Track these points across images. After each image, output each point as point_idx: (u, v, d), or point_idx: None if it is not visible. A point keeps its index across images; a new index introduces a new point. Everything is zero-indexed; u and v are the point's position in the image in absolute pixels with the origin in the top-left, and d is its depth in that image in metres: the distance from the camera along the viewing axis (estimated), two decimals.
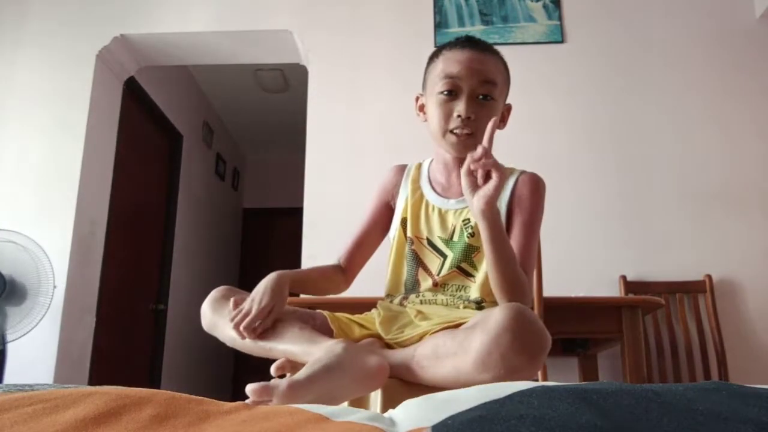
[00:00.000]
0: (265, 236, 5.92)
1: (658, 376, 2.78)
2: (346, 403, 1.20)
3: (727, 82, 3.18)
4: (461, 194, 1.24)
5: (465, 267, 1.28)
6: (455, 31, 3.33)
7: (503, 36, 3.32)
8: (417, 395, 0.62)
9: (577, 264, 2.95)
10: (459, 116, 1.23)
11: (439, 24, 3.36)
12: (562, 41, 3.30)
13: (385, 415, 0.59)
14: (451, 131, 1.25)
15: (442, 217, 1.32)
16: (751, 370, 2.81)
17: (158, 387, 3.47)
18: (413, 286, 1.32)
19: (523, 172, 1.37)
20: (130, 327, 3.85)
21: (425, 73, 1.35)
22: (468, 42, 1.29)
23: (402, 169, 1.44)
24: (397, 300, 1.34)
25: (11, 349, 2.73)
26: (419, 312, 1.25)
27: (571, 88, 3.23)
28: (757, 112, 3.14)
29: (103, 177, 3.46)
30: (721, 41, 3.24)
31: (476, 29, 3.34)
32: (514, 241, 1.25)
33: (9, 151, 3.25)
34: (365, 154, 3.17)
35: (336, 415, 0.55)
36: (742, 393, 0.52)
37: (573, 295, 2.43)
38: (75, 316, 3.11)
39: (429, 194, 1.35)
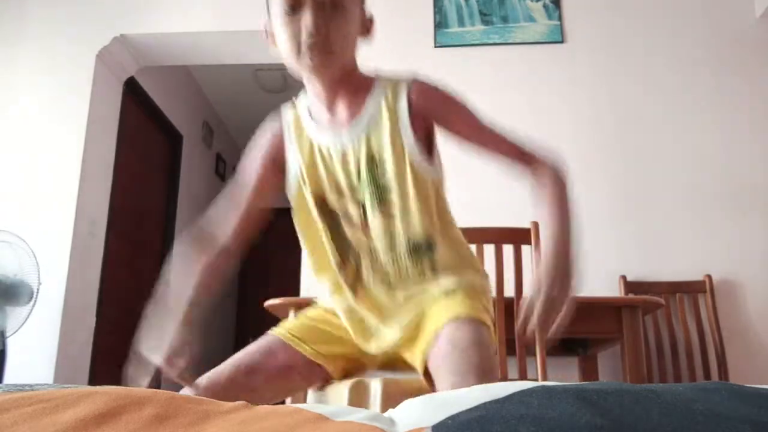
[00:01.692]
0: (264, 236, 5.91)
1: (658, 376, 2.78)
2: (345, 403, 1.19)
3: (727, 82, 3.18)
4: (350, 120, 1.13)
5: (383, 209, 1.14)
6: (455, 31, 3.33)
7: (503, 36, 3.32)
8: (417, 395, 0.62)
9: (577, 264, 2.95)
10: (307, 33, 1.06)
11: (439, 24, 3.36)
12: (562, 41, 3.30)
13: (385, 414, 0.59)
14: (304, 52, 1.07)
15: (340, 157, 1.14)
16: (751, 370, 2.81)
17: (158, 387, 3.46)
18: (344, 248, 1.18)
19: (411, 80, 1.18)
20: (130, 327, 3.84)
21: (267, 2, 1.15)
22: None
23: (280, 126, 1.24)
24: (343, 286, 1.19)
25: (11, 349, 2.72)
26: (373, 307, 1.17)
27: (571, 88, 3.23)
28: (758, 112, 3.14)
29: (103, 177, 3.46)
30: (721, 41, 3.24)
31: (476, 29, 3.34)
32: (486, 136, 1.16)
33: (9, 150, 3.25)
34: None
35: (336, 415, 0.55)
36: (742, 393, 0.52)
37: (573, 295, 2.43)
38: (75, 316, 3.11)
39: (315, 136, 1.17)
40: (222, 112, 5.32)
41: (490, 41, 3.32)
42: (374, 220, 1.14)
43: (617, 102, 3.21)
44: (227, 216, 1.21)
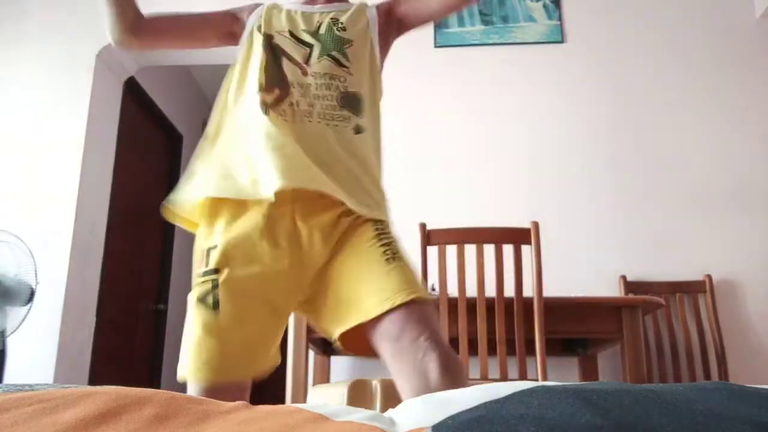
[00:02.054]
0: None
1: (658, 376, 2.78)
2: (345, 402, 1.19)
3: (727, 82, 3.18)
4: (327, 4, 1.30)
5: (337, 56, 1.23)
6: (455, 31, 3.33)
7: (503, 36, 3.32)
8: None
9: (577, 264, 2.96)
10: None
11: (439, 24, 3.35)
12: (562, 41, 3.30)
13: (385, 415, 0.59)
14: None
15: (306, 16, 1.28)
16: (751, 370, 2.81)
17: (158, 387, 3.47)
18: (278, 78, 1.20)
19: (373, 5, 1.34)
20: (130, 327, 3.85)
21: None
22: None
23: (259, 5, 1.36)
24: (262, 106, 1.18)
25: (11, 349, 2.72)
26: (299, 138, 1.14)
27: (571, 88, 3.23)
28: (758, 112, 3.14)
29: (103, 177, 3.46)
30: (721, 41, 3.24)
31: (476, 29, 3.34)
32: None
33: (9, 150, 3.25)
34: None
35: (336, 415, 0.55)
36: (742, 393, 0.52)
37: (573, 295, 2.43)
38: (75, 316, 3.11)
39: (288, 6, 1.32)
40: None
41: (490, 41, 3.32)
42: (318, 63, 1.22)
43: (617, 102, 3.21)
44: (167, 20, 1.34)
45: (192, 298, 1.10)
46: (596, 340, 2.66)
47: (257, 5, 1.34)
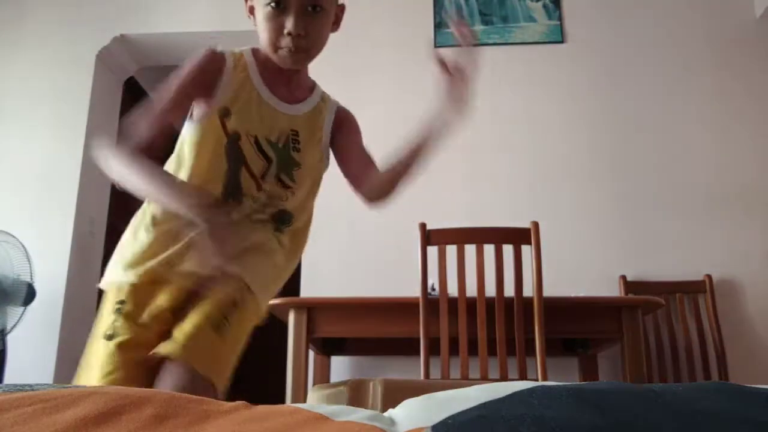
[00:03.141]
0: None
1: (658, 376, 2.78)
2: (345, 403, 1.19)
3: (727, 82, 3.18)
4: (292, 102, 1.24)
5: (284, 178, 1.22)
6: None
7: (503, 36, 3.33)
8: (417, 395, 0.62)
9: (577, 264, 2.96)
10: (289, 33, 1.13)
11: (439, 24, 3.36)
12: (562, 41, 3.30)
13: (385, 414, 0.59)
14: (282, 49, 1.16)
15: (273, 118, 1.22)
16: (751, 370, 2.81)
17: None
18: (234, 190, 1.19)
19: (338, 103, 1.35)
20: None
21: None
22: None
23: (222, 55, 1.22)
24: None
25: (11, 349, 2.73)
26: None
27: (571, 88, 3.23)
28: (758, 112, 3.14)
29: (103, 177, 3.45)
30: (721, 41, 3.24)
31: (476, 29, 3.34)
32: (366, 157, 1.33)
33: (9, 151, 3.26)
34: None
35: (336, 415, 0.55)
36: (742, 393, 0.52)
37: (573, 295, 2.43)
38: (75, 316, 3.11)
39: (261, 88, 1.22)
40: None
41: (490, 41, 3.32)
42: (269, 182, 1.21)
43: (617, 102, 3.21)
44: (150, 126, 1.22)
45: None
46: (596, 340, 2.66)
47: (224, 56, 1.22)
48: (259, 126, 1.20)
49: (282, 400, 2.60)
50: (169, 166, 1.26)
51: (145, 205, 1.32)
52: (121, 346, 1.11)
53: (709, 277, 2.90)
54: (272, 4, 1.13)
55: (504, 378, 2.07)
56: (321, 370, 2.83)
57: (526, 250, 2.14)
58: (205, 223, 1.04)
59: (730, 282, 2.93)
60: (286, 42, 1.15)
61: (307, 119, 1.26)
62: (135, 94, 3.86)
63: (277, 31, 1.14)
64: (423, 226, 2.19)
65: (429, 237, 2.17)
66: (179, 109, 1.22)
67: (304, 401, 2.09)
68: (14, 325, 2.67)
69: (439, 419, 0.49)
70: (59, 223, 3.11)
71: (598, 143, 3.16)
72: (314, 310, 2.25)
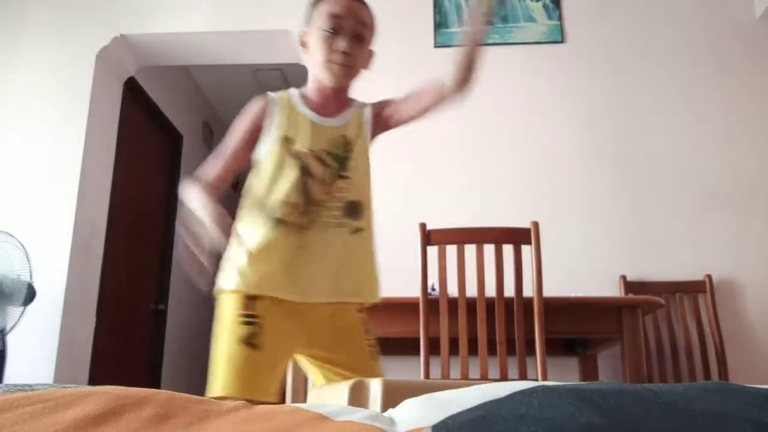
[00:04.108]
0: None
1: (658, 376, 2.78)
2: (346, 403, 1.19)
3: (727, 82, 3.18)
4: (336, 115, 1.51)
5: (344, 174, 1.47)
6: (455, 31, 3.33)
7: (503, 36, 3.33)
8: (417, 395, 0.62)
9: (577, 264, 2.95)
10: (342, 51, 1.44)
11: (439, 24, 3.36)
12: (562, 41, 3.30)
13: (385, 414, 0.59)
14: (333, 62, 1.45)
15: (322, 132, 1.48)
16: (751, 370, 2.81)
17: (158, 387, 3.47)
18: (309, 198, 1.43)
19: (371, 103, 1.58)
20: (130, 327, 3.85)
21: (309, 14, 1.52)
22: None
23: (267, 98, 1.55)
24: (292, 223, 1.41)
25: (11, 349, 2.73)
26: (312, 245, 1.41)
27: (571, 87, 3.23)
28: (758, 112, 3.14)
29: (103, 177, 3.46)
30: (721, 41, 3.24)
31: None
32: (408, 99, 1.55)
33: (9, 151, 3.25)
34: None
35: (336, 415, 0.55)
36: (742, 393, 0.52)
37: (573, 295, 2.43)
38: (75, 316, 3.11)
39: (308, 114, 1.50)
40: (222, 112, 5.32)
41: (490, 41, 3.31)
42: (332, 180, 1.45)
43: (617, 102, 3.21)
44: (216, 166, 1.53)
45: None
46: (596, 340, 2.66)
47: (268, 100, 1.53)
48: (313, 142, 1.46)
49: (282, 400, 2.60)
50: (256, 190, 1.49)
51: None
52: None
53: (709, 277, 2.90)
54: (330, 31, 1.44)
55: (504, 378, 2.07)
56: None
57: (526, 250, 2.14)
58: (210, 241, 1.33)
59: (730, 282, 2.93)
60: (337, 58, 1.44)
61: (351, 123, 1.52)
62: (135, 94, 3.86)
63: (331, 49, 1.45)
64: (423, 226, 2.19)
65: (429, 237, 2.17)
66: (243, 151, 1.52)
67: (304, 401, 2.09)
68: (14, 325, 2.67)
69: (439, 419, 0.49)
70: (59, 223, 3.11)
71: (598, 143, 3.16)
72: None
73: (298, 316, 1.40)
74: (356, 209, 1.47)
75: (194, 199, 1.43)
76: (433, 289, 2.29)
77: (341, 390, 1.27)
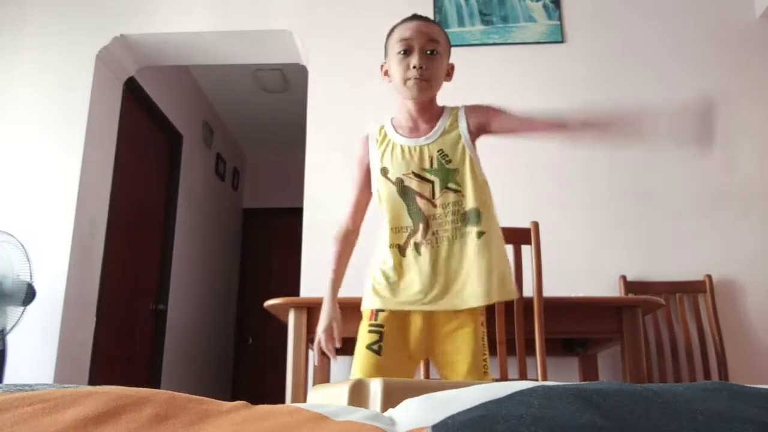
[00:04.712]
0: (265, 236, 5.92)
1: (658, 376, 2.78)
2: (345, 403, 1.19)
3: (726, 82, 3.18)
4: (428, 133, 1.61)
5: (452, 186, 1.57)
6: (455, 31, 3.33)
7: (503, 36, 3.32)
8: (417, 395, 0.62)
9: (577, 264, 2.95)
10: (414, 66, 1.56)
11: (439, 24, 3.35)
12: (562, 41, 3.30)
13: (385, 414, 0.59)
14: (410, 79, 1.57)
15: (419, 152, 1.60)
16: (751, 370, 2.81)
17: (158, 387, 3.47)
18: (418, 216, 1.57)
19: (464, 106, 1.67)
20: (130, 327, 3.85)
21: (386, 45, 1.67)
22: (414, 16, 1.66)
23: (366, 137, 1.70)
24: (411, 245, 1.58)
25: (11, 349, 2.73)
26: (432, 261, 1.55)
27: (571, 88, 3.23)
28: (758, 112, 3.14)
29: (103, 177, 3.46)
30: (721, 41, 3.24)
31: (476, 29, 3.34)
32: (515, 120, 1.64)
33: (9, 150, 3.25)
34: None
35: (336, 415, 0.55)
36: (742, 393, 0.52)
37: (573, 295, 2.43)
38: (75, 316, 3.11)
39: (400, 140, 1.63)
40: (222, 112, 5.32)
41: (490, 41, 3.32)
42: (441, 195, 1.57)
43: (617, 101, 3.20)
44: (350, 215, 1.74)
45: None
46: (596, 340, 2.65)
47: (366, 139, 1.69)
48: (411, 164, 1.59)
49: (282, 400, 2.60)
50: (382, 219, 1.64)
51: None
52: None
53: (709, 277, 2.90)
54: (402, 52, 1.58)
55: (504, 378, 2.07)
56: (321, 370, 2.83)
57: (526, 250, 2.14)
58: (321, 334, 1.61)
59: (730, 282, 2.93)
60: (412, 74, 1.56)
61: (446, 136, 1.61)
62: (135, 94, 3.86)
63: (405, 68, 1.57)
64: None
65: None
66: (364, 194, 1.71)
67: (304, 401, 2.09)
68: (14, 325, 2.67)
69: (439, 419, 0.49)
70: (59, 223, 3.11)
71: (597, 143, 3.15)
72: (314, 310, 2.24)
73: (414, 324, 1.56)
74: (473, 215, 1.57)
75: (332, 253, 1.72)
76: None
77: (341, 390, 1.26)
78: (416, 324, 1.56)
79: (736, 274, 2.94)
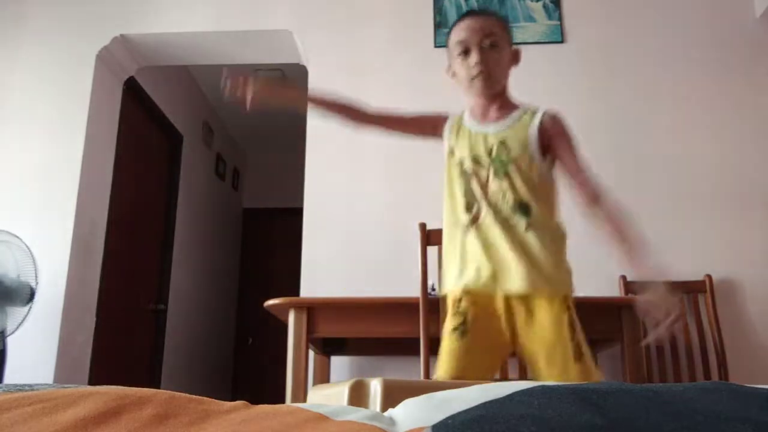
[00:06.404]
0: (265, 236, 5.92)
1: (658, 376, 2.78)
2: (345, 403, 1.20)
3: (726, 82, 3.18)
4: (496, 122, 1.66)
5: (505, 176, 1.61)
6: None
7: None
8: (417, 395, 0.62)
9: (577, 264, 2.95)
10: (474, 64, 1.62)
11: (439, 24, 3.35)
12: (562, 41, 3.30)
13: (385, 414, 0.59)
14: (473, 77, 1.63)
15: (483, 139, 1.65)
16: (751, 370, 2.81)
17: (158, 387, 3.47)
18: (471, 198, 1.62)
19: (545, 112, 1.68)
20: (130, 327, 3.85)
21: (448, 50, 1.73)
22: (468, 13, 1.75)
23: (448, 115, 1.76)
24: (465, 223, 1.62)
25: (11, 349, 2.73)
26: (486, 243, 1.59)
27: (571, 88, 3.23)
28: (758, 112, 3.14)
29: (103, 177, 3.46)
30: (721, 41, 3.24)
31: None
32: (573, 161, 1.67)
33: (9, 151, 3.25)
34: (365, 155, 3.17)
35: (336, 415, 0.55)
36: (742, 393, 0.52)
37: (573, 295, 2.42)
38: (75, 316, 3.11)
39: (469, 124, 1.69)
40: (222, 112, 5.32)
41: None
42: (494, 182, 1.61)
43: (617, 102, 3.21)
44: (393, 112, 1.78)
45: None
46: (596, 340, 2.65)
47: (448, 116, 1.74)
48: (473, 148, 1.64)
49: (282, 400, 2.60)
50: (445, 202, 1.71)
51: None
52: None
53: (709, 277, 2.90)
54: (462, 54, 1.65)
55: (504, 378, 2.07)
56: (321, 370, 2.83)
57: None
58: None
59: (730, 282, 2.93)
60: (474, 72, 1.62)
61: (513, 128, 1.64)
62: (135, 94, 3.86)
63: (467, 68, 1.64)
64: (423, 226, 2.19)
65: (429, 237, 2.17)
66: (409, 123, 1.80)
67: (304, 401, 2.09)
68: (17, 327, 2.66)
69: (439, 419, 0.49)
70: (59, 223, 3.11)
71: (597, 143, 3.15)
72: (314, 310, 2.25)
73: (491, 309, 1.58)
74: (521, 208, 1.61)
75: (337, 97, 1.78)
76: (433, 289, 2.29)
77: (341, 390, 1.26)
78: (490, 308, 1.59)
79: (736, 274, 2.94)
